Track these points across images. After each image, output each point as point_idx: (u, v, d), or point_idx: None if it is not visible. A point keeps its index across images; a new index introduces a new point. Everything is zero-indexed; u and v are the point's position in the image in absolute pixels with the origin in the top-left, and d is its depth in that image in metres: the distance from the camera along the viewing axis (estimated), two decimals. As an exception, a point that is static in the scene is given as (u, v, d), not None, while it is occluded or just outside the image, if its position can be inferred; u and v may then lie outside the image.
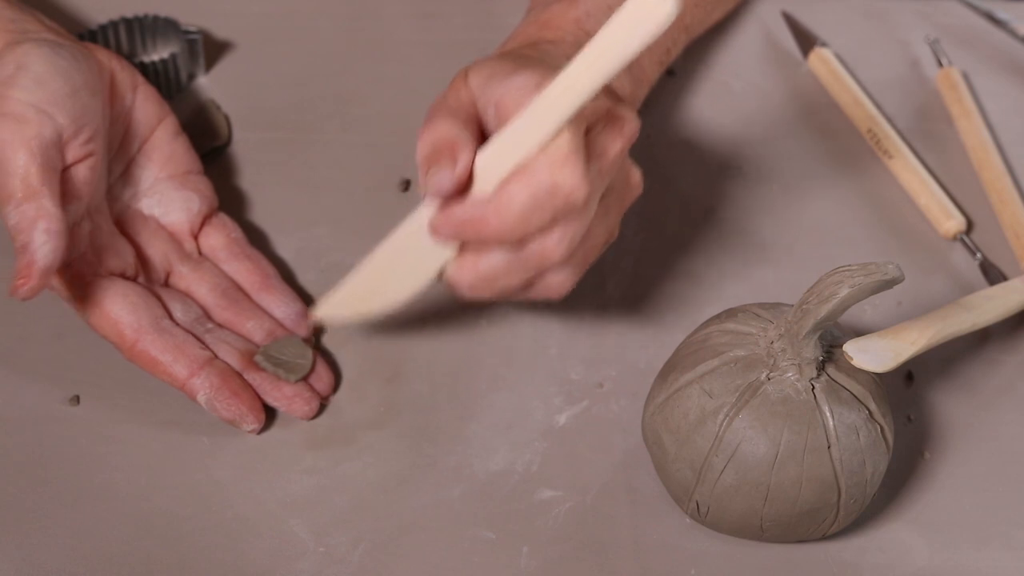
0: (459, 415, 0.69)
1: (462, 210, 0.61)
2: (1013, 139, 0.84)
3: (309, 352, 0.69)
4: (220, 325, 0.70)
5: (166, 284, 0.71)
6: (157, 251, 0.71)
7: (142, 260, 0.70)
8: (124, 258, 0.69)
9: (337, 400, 0.69)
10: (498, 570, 0.63)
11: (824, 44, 0.88)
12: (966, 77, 0.87)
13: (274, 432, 0.68)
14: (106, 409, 0.68)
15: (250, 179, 0.79)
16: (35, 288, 0.63)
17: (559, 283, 0.64)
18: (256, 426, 0.67)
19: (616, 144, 0.62)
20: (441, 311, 0.73)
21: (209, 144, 0.80)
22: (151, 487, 0.65)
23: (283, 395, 0.68)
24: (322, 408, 0.69)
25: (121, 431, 0.67)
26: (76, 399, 0.68)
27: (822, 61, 0.87)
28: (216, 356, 0.67)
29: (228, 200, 0.77)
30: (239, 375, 0.67)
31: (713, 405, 0.61)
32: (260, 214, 0.77)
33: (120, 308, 0.67)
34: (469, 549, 0.64)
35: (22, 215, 0.63)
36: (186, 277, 0.71)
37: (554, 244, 0.61)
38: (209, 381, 0.66)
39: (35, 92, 0.65)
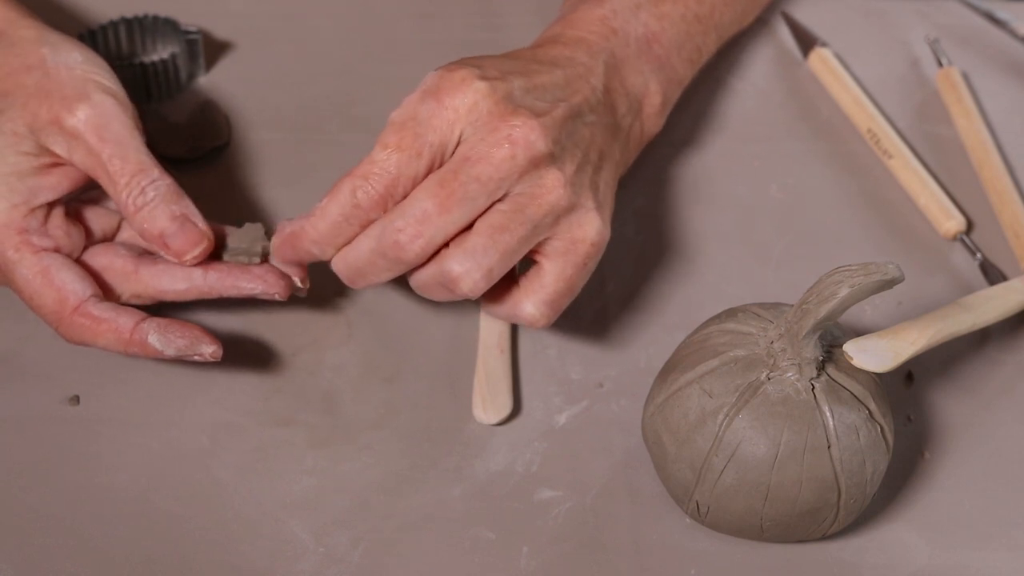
0: (459, 415, 0.69)
1: (288, 227, 0.66)
2: (1013, 139, 0.84)
3: (262, 233, 0.69)
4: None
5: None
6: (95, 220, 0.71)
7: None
8: (76, 238, 0.69)
9: (337, 400, 0.69)
10: (498, 570, 0.63)
11: (824, 44, 0.88)
12: (966, 77, 0.87)
13: (274, 432, 0.68)
14: (106, 409, 0.68)
15: (250, 179, 0.79)
16: (209, 246, 0.68)
17: (459, 274, 0.63)
18: (214, 347, 0.66)
19: (496, 152, 0.63)
20: (441, 311, 0.73)
21: (209, 144, 0.80)
22: (151, 487, 0.65)
23: (255, 275, 0.68)
24: (323, 406, 0.69)
25: (121, 431, 0.67)
26: (76, 399, 0.68)
27: (822, 61, 0.87)
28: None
29: (228, 200, 0.77)
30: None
31: (713, 405, 0.61)
32: (260, 214, 0.77)
33: (66, 275, 0.66)
34: (469, 549, 0.64)
35: (156, 188, 0.67)
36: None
37: (398, 228, 0.63)
38: (156, 322, 0.66)
39: (100, 65, 0.69)
